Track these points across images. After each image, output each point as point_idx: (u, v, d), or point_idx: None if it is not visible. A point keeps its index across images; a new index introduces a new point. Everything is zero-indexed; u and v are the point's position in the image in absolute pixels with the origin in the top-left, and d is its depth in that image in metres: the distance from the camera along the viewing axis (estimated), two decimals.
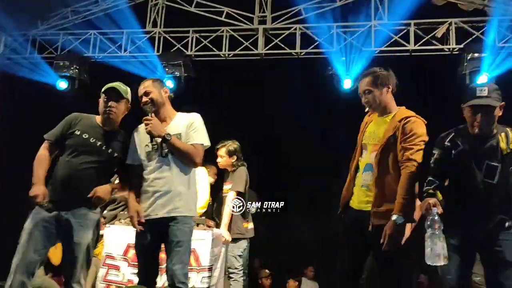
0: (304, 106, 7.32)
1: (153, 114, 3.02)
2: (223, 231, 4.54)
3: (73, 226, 2.90)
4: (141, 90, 3.12)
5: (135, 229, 3.03)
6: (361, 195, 2.95)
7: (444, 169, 2.78)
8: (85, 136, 3.03)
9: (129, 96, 3.17)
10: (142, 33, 7.23)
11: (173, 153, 3.00)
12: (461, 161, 2.72)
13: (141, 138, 3.11)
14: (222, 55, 7.16)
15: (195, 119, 3.12)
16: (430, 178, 2.74)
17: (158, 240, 3.01)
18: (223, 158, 4.94)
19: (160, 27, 7.32)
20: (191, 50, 7.18)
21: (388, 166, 2.84)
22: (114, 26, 7.33)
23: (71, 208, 2.93)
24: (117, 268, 4.05)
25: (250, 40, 7.09)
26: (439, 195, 2.72)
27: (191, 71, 7.11)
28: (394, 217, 2.70)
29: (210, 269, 4.07)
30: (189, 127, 3.07)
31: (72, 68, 7.12)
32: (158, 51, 7.25)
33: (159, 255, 3.09)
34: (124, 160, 3.12)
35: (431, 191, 2.71)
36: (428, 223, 2.57)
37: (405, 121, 2.84)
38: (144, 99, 3.08)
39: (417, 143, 2.79)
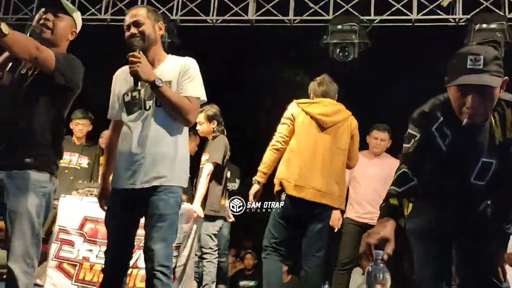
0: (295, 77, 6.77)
1: (141, 52, 2.32)
2: (195, 206, 4.07)
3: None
4: (130, 18, 2.41)
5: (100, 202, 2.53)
6: None
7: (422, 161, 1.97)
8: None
9: (77, 18, 2.49)
10: None
11: (161, 105, 2.37)
12: (450, 158, 1.97)
13: (120, 85, 2.51)
14: (210, 21, 6.63)
15: (191, 65, 2.46)
16: (405, 170, 1.93)
17: (135, 214, 2.40)
18: (202, 125, 4.52)
19: None
20: (176, 14, 6.64)
21: None
22: None
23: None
24: (71, 243, 3.60)
25: (240, 6, 6.55)
26: (406, 207, 1.92)
27: (175, 37, 6.58)
28: None
29: (178, 247, 3.62)
30: (183, 75, 2.41)
31: None
32: None
33: (135, 232, 2.46)
34: (64, 76, 2.30)
35: (393, 201, 1.86)
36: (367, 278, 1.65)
37: None
38: (133, 30, 2.38)
39: None
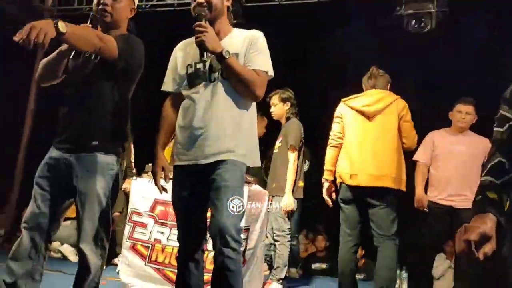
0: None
1: (207, 22, 2.22)
2: (287, 198, 4.05)
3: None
4: None
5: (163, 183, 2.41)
6: None
7: None
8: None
9: None
10: None
11: (228, 78, 2.24)
12: None
13: (183, 56, 2.39)
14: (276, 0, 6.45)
15: (259, 38, 2.31)
16: (501, 160, 1.60)
17: (202, 192, 2.25)
18: (276, 106, 4.50)
19: None
20: None
21: None
22: None
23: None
24: (143, 225, 3.65)
25: None
26: (506, 202, 1.52)
27: (240, 17, 6.47)
28: None
29: (247, 230, 3.56)
30: (251, 47, 2.27)
31: None
32: None
33: (205, 213, 2.34)
34: (125, 64, 2.30)
35: (491, 194, 1.52)
36: None
37: None
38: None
39: None
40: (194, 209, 2.30)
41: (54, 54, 2.38)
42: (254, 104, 2.37)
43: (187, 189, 2.29)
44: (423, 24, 5.63)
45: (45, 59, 2.40)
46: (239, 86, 2.24)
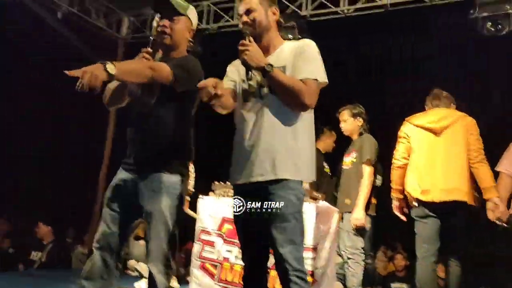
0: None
1: (251, 38, 2.19)
2: (358, 214, 3.93)
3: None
4: (242, 6, 2.32)
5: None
6: None
7: None
8: None
9: (191, 14, 2.52)
10: None
11: (275, 92, 2.20)
12: None
13: (235, 72, 2.37)
14: (341, 12, 6.36)
15: (307, 46, 2.25)
16: None
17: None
18: (347, 121, 4.40)
19: None
20: (306, 9, 6.52)
21: None
22: None
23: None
24: (211, 244, 3.67)
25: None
26: None
27: (306, 33, 6.44)
28: None
29: (315, 249, 3.46)
30: (298, 56, 2.22)
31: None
32: None
33: (266, 232, 2.20)
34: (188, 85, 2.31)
35: None
36: None
37: None
38: (244, 18, 2.29)
39: None
40: (254, 228, 2.23)
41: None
42: (309, 116, 2.28)
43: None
44: (499, 26, 5.27)
45: (110, 85, 2.50)
46: (285, 97, 2.18)
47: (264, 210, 2.15)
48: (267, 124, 2.20)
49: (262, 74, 2.16)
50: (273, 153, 2.17)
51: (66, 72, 1.92)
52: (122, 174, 2.45)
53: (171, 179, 2.36)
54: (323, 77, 2.23)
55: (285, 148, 2.18)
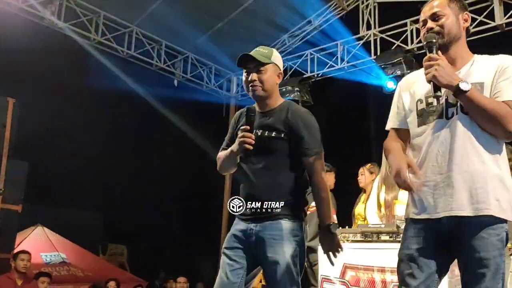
0: None
1: (439, 52, 1.90)
2: None
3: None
4: (428, 10, 1.99)
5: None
6: None
7: None
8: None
9: (276, 59, 2.46)
10: (355, 40, 6.80)
11: (469, 113, 1.86)
12: None
13: (410, 90, 2.05)
14: None
15: (509, 63, 1.89)
16: None
17: (445, 254, 1.89)
18: None
19: (374, 28, 6.74)
20: (412, 43, 6.34)
21: None
22: (329, 40, 7.13)
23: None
24: None
25: (485, 13, 5.83)
26: None
27: (413, 67, 6.25)
28: None
29: None
30: (500, 75, 1.87)
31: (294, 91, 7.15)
32: (376, 53, 6.66)
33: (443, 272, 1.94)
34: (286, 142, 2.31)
35: None
36: None
37: None
38: (430, 24, 1.95)
39: None
40: (426, 268, 1.90)
41: (228, 152, 2.49)
42: (502, 142, 1.92)
43: (420, 244, 1.92)
44: None
45: (222, 154, 2.55)
46: (484, 122, 1.85)
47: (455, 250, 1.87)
48: (459, 148, 1.88)
49: (454, 93, 1.83)
50: (469, 182, 1.87)
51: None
52: (239, 225, 2.47)
53: (291, 226, 2.31)
54: None
55: (485, 177, 1.87)
